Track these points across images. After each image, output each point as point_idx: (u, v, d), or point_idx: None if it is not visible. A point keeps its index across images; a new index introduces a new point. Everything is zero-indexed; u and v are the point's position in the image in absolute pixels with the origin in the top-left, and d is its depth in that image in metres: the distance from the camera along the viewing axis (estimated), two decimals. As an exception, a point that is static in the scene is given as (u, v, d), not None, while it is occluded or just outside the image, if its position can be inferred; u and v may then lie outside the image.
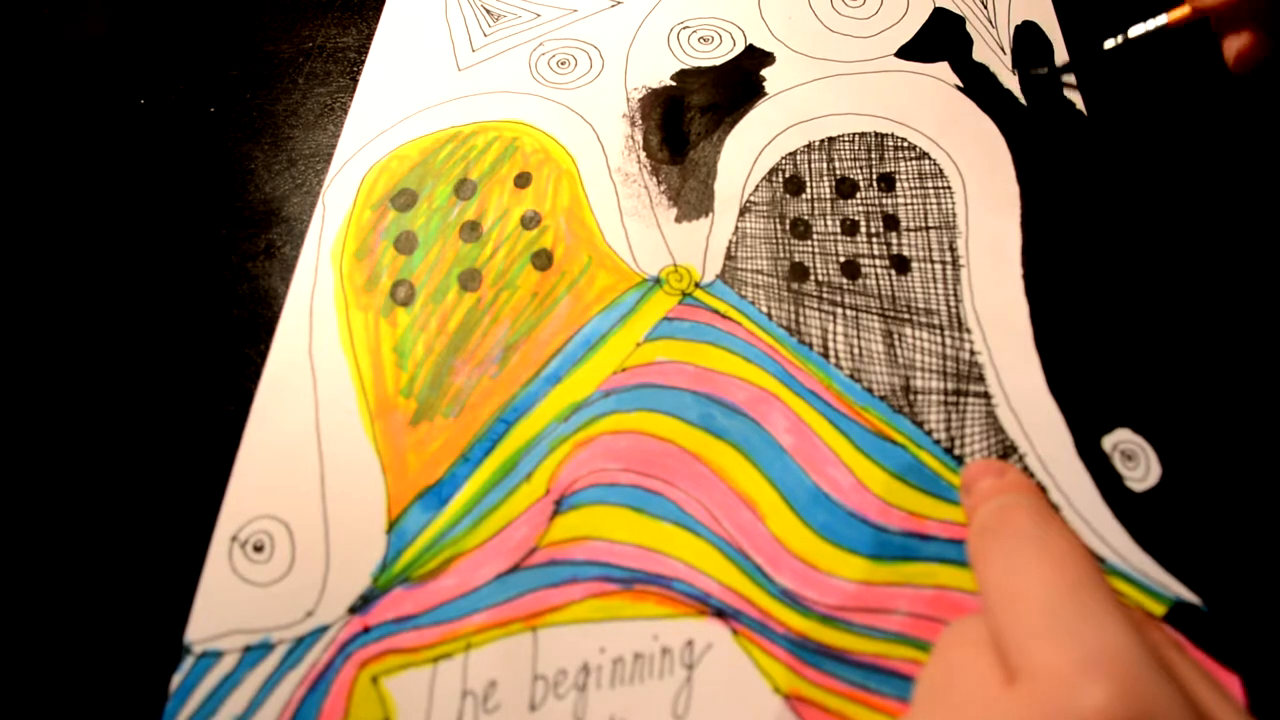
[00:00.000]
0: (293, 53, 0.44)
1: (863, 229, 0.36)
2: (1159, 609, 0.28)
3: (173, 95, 0.42)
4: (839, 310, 0.34)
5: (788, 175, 0.38)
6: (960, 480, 0.29)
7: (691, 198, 0.37)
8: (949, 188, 0.37)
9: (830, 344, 0.34)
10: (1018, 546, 0.23)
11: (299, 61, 0.43)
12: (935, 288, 0.35)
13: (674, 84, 0.41)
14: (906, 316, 0.34)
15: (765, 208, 0.37)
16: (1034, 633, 0.21)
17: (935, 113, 0.40)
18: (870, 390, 0.33)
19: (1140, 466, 0.31)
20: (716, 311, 0.34)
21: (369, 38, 0.44)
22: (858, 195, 0.37)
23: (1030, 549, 0.23)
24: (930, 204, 0.37)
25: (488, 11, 0.44)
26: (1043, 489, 0.30)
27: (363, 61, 0.43)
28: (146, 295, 0.36)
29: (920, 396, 0.32)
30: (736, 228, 0.37)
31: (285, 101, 0.42)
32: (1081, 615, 0.21)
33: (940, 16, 0.43)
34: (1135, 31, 0.38)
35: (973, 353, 0.33)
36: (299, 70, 0.43)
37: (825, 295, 0.35)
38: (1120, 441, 0.31)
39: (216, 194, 0.39)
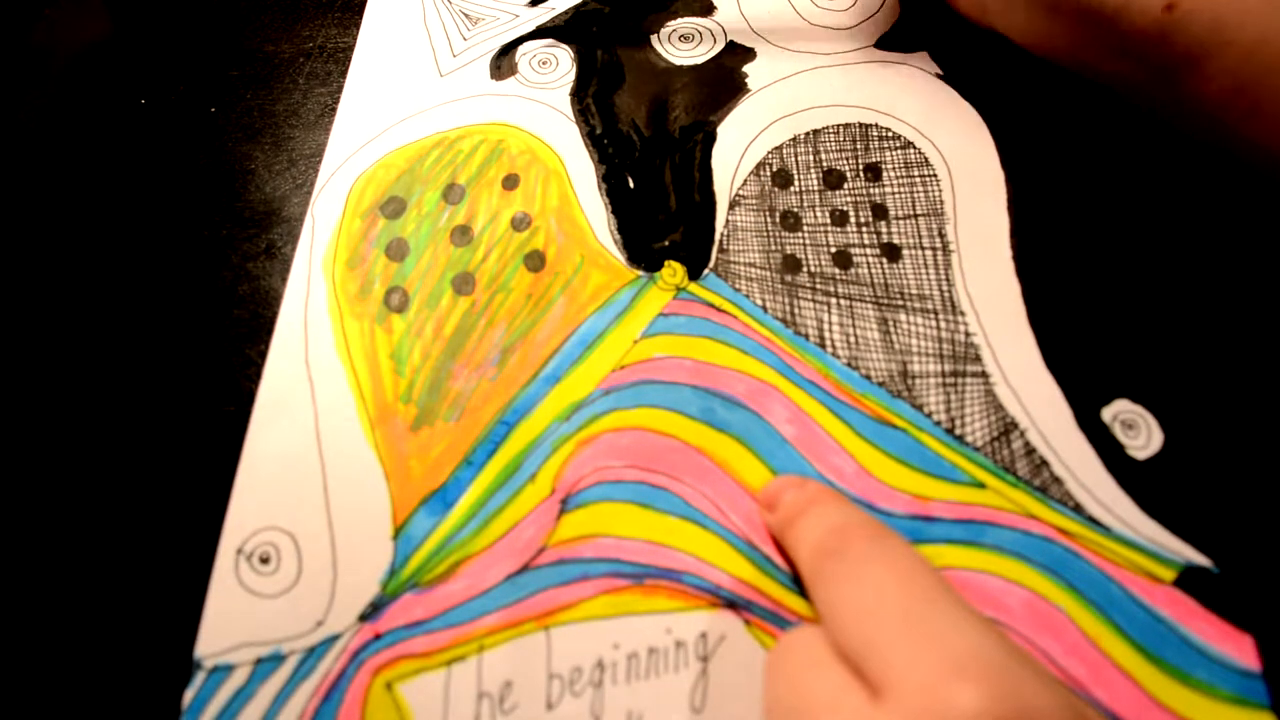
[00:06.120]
0: (293, 53, 0.43)
1: (852, 219, 0.37)
2: (1169, 574, 0.28)
3: (173, 95, 0.42)
4: (833, 300, 0.35)
5: (775, 169, 0.38)
6: (759, 497, 0.30)
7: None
8: (935, 175, 0.38)
9: (826, 334, 0.34)
10: (864, 564, 0.24)
11: (299, 61, 0.43)
12: (927, 273, 0.35)
13: (658, 83, 0.41)
14: (900, 303, 0.34)
15: (754, 201, 0.37)
16: (895, 644, 0.21)
17: (918, 101, 0.40)
18: (868, 377, 0.33)
19: (1141, 435, 0.31)
20: (711, 305, 0.34)
21: (371, 37, 0.44)
22: (845, 186, 0.37)
23: (877, 566, 0.24)
24: (918, 192, 0.37)
25: (465, 15, 0.44)
26: (875, 520, 0.31)
27: (365, 61, 0.43)
28: (147, 296, 0.36)
29: (918, 380, 0.33)
30: (727, 221, 0.37)
31: (285, 101, 0.42)
32: (940, 622, 0.21)
33: (917, 4, 0.44)
34: None
35: (968, 334, 0.34)
36: (299, 70, 0.43)
37: (819, 286, 0.35)
38: (1120, 412, 0.32)
39: (217, 194, 0.38)
